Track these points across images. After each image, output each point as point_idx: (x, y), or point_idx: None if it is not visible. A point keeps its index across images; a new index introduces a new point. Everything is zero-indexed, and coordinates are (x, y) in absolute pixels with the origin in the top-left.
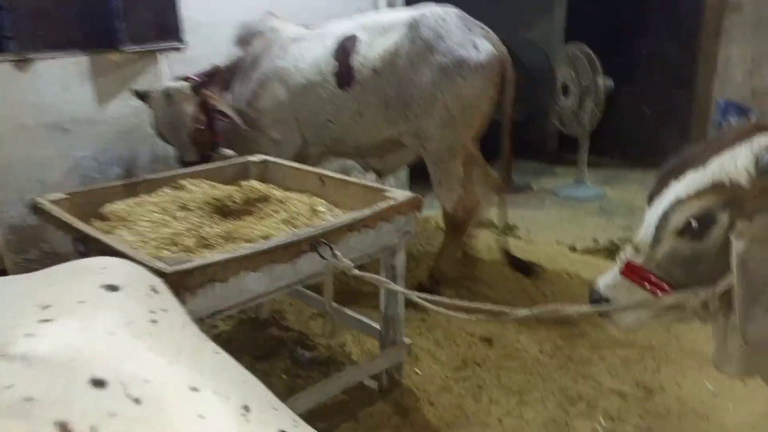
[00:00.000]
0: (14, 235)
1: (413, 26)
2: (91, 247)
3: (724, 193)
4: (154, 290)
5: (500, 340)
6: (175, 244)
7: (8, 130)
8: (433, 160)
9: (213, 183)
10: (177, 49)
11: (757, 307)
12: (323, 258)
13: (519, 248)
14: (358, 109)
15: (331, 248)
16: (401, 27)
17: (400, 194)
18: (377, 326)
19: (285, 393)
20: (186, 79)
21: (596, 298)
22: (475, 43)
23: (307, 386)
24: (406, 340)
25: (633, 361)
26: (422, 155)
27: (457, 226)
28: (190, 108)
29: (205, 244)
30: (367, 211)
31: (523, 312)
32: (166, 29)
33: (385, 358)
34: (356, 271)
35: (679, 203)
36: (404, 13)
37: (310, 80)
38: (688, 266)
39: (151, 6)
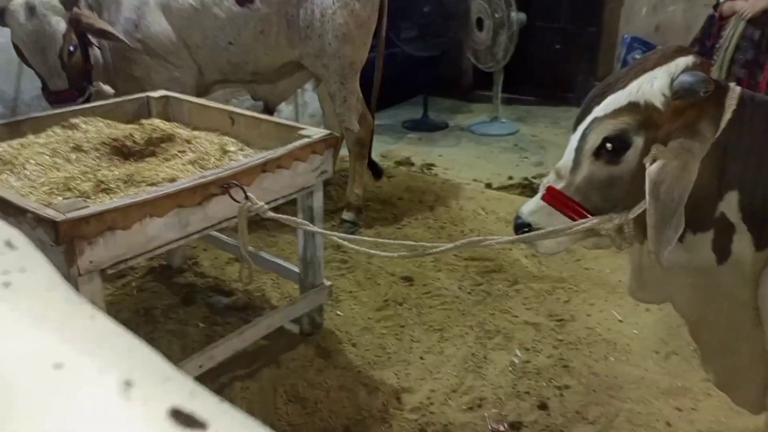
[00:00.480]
0: None
1: None
2: None
3: (640, 114)
4: (9, 246)
5: (420, 279)
6: (70, 189)
7: None
8: (336, 78)
9: (109, 121)
10: None
11: (669, 230)
12: (235, 201)
13: (441, 187)
14: (260, 27)
15: (244, 190)
16: None
17: (315, 132)
18: (296, 269)
19: (203, 342)
20: None
21: (520, 224)
22: None
23: (226, 333)
24: (327, 283)
25: (546, 294)
26: (323, 77)
27: (362, 144)
28: (60, 24)
29: (104, 188)
30: (280, 151)
31: (446, 246)
32: None
33: (306, 302)
34: (271, 213)
35: (595, 122)
36: None
37: (201, 0)
38: (604, 191)
39: None
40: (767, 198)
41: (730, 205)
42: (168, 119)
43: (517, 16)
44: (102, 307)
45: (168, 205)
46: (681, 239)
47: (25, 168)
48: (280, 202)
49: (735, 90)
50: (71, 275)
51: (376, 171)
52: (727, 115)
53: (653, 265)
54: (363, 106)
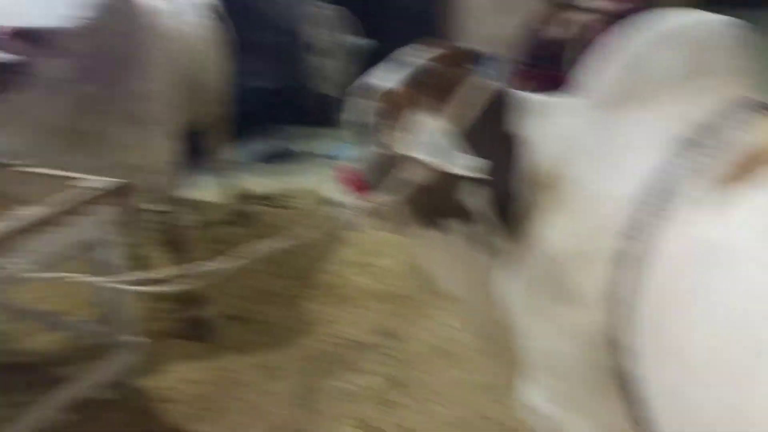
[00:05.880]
0: None
1: None
2: None
3: None
4: None
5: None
6: None
7: None
8: None
9: None
10: None
11: None
12: None
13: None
14: None
15: None
16: None
17: (97, 182)
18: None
19: None
20: None
21: None
22: None
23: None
24: (137, 339)
25: (379, 312)
26: None
27: None
28: None
29: None
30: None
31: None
32: None
33: (110, 364)
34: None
35: None
36: None
37: None
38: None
39: None
40: None
41: None
42: None
43: (351, 41)
44: None
45: None
46: None
47: None
48: (59, 259)
49: None
50: None
51: None
52: None
53: None
54: None
